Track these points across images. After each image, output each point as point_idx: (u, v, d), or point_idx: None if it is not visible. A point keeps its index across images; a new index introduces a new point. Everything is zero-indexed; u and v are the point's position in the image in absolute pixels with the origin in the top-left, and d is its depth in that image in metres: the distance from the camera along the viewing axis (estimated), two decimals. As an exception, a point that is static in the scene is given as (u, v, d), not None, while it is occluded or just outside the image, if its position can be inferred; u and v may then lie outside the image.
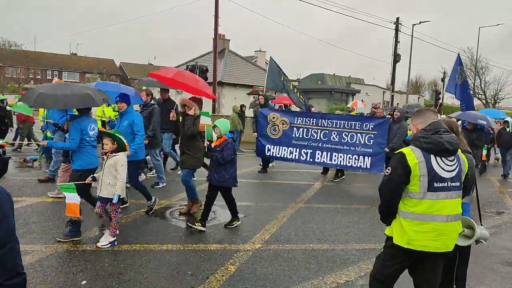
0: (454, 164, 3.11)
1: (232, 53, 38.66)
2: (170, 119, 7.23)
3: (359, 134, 9.63)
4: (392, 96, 31.66)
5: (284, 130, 10.46)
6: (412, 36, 32.81)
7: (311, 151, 10.14)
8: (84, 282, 4.34)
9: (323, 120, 10.12)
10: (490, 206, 8.99)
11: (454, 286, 4.15)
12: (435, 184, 3.04)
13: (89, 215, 6.18)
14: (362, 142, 9.56)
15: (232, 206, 6.52)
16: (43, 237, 5.58)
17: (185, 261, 5.00)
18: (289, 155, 10.41)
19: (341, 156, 9.80)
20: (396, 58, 31.60)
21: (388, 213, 3.21)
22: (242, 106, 16.84)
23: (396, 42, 31.52)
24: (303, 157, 10.24)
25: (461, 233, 3.65)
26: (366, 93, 35.92)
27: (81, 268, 4.66)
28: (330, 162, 10.04)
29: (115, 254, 5.11)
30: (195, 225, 6.18)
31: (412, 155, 3.07)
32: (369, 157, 9.49)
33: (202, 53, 38.10)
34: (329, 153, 9.91)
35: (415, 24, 32.88)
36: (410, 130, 12.39)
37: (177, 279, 4.51)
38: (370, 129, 9.56)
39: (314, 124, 10.18)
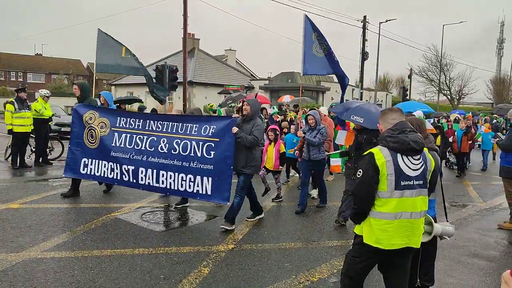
0: (420, 163, 3.19)
1: (202, 52, 38.51)
2: None
3: (194, 142, 6.51)
4: (361, 93, 32.19)
5: (102, 137, 7.41)
6: (379, 34, 33.58)
7: (133, 167, 7.02)
8: (52, 290, 4.22)
9: (151, 122, 7.06)
10: (455, 200, 9.27)
11: (418, 279, 4.25)
12: (402, 183, 3.10)
13: (55, 223, 6.02)
14: (199, 155, 6.43)
15: None
16: (8, 245, 5.38)
17: (158, 265, 4.94)
18: (110, 174, 7.34)
19: (170, 176, 6.68)
20: (364, 56, 32.18)
21: (361, 215, 3.25)
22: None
23: (364, 40, 32.09)
24: (125, 176, 7.13)
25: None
26: (336, 91, 36.33)
27: (50, 277, 4.53)
28: (157, 185, 6.84)
29: (85, 260, 4.98)
30: None
31: (380, 154, 3.12)
32: (209, 178, 6.37)
33: (172, 53, 37.79)
34: (155, 171, 6.81)
35: (382, 23, 33.68)
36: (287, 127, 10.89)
37: (150, 284, 4.44)
38: (211, 134, 6.43)
39: (140, 127, 7.14)
